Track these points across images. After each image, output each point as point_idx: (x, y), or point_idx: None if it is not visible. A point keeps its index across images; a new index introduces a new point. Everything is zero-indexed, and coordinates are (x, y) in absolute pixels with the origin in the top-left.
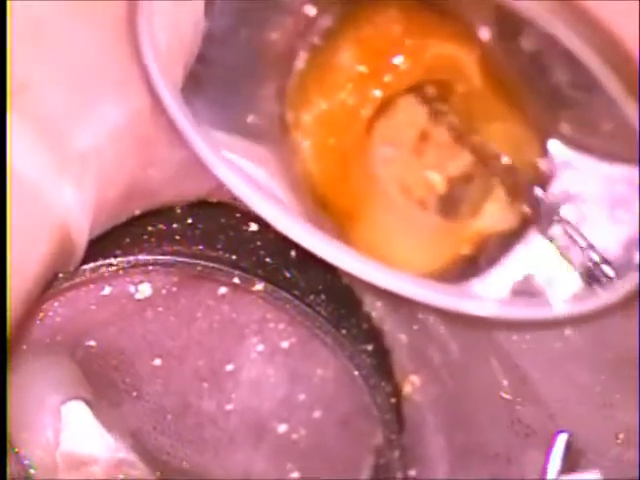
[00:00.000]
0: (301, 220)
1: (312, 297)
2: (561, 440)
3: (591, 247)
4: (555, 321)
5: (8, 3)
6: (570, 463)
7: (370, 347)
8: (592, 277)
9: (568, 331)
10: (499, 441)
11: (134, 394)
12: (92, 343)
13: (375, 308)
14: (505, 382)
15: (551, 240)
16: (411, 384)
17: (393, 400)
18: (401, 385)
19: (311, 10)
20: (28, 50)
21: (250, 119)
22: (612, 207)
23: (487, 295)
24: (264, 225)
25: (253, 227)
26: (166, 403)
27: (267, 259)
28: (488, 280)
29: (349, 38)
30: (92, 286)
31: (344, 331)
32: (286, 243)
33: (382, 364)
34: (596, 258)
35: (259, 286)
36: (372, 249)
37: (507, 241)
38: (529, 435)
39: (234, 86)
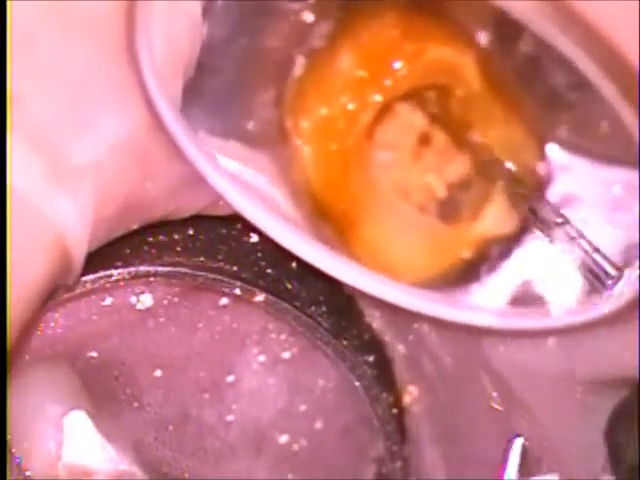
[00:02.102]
0: (301, 232)
1: (313, 308)
2: (517, 444)
3: (595, 249)
4: (549, 330)
5: (8, 4)
6: (528, 468)
7: (371, 358)
8: (595, 280)
9: (549, 342)
10: (493, 451)
11: (135, 405)
12: (93, 354)
13: (375, 318)
14: (494, 394)
15: (553, 243)
16: (409, 395)
17: (395, 411)
18: (401, 396)
19: (309, 16)
20: (22, 64)
21: (249, 126)
22: (611, 210)
23: (484, 305)
24: (265, 236)
25: (254, 238)
26: (167, 414)
27: (268, 270)
28: (488, 284)
29: (348, 43)
30: (93, 297)
31: (345, 342)
32: (287, 254)
33: (383, 375)
34: (600, 260)
35: (260, 297)
36: (372, 254)
37: (508, 245)
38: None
39: (233, 93)
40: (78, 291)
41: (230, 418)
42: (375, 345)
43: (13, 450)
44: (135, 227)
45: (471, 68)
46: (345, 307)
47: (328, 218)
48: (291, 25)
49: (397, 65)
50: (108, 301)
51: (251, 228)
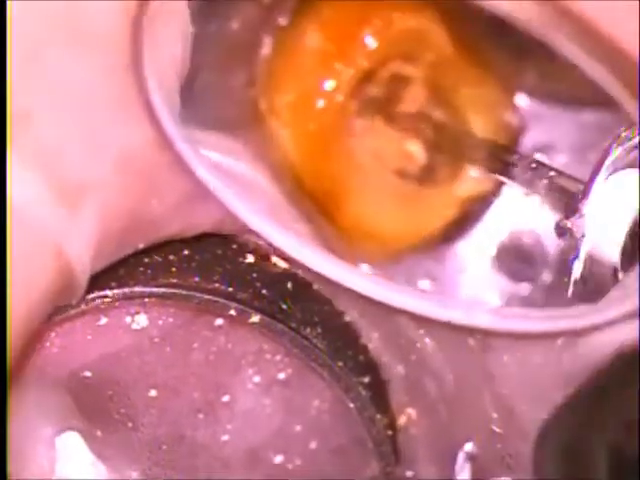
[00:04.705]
0: (318, 248)
1: (309, 329)
2: (467, 449)
3: (558, 172)
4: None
5: (8, 3)
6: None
7: (366, 379)
8: (563, 203)
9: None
10: (489, 473)
11: (129, 425)
12: (87, 374)
13: (372, 340)
14: (495, 415)
15: (531, 191)
16: (407, 416)
17: (389, 432)
18: (397, 417)
19: None
20: (27, 80)
21: (223, 112)
22: (583, 152)
23: (478, 305)
24: (260, 257)
25: (250, 259)
26: (161, 434)
27: (264, 291)
28: (474, 241)
29: (313, 19)
30: (88, 317)
31: (340, 363)
32: (283, 275)
33: (378, 396)
34: (565, 181)
35: (255, 318)
36: (358, 226)
37: (491, 200)
38: (514, 468)
39: (204, 81)
40: (73, 311)
41: (225, 438)
42: (370, 367)
43: None
44: (142, 246)
45: (440, 33)
46: (341, 328)
47: (310, 196)
48: (253, 5)
49: (366, 38)
50: (103, 321)
51: (247, 249)
